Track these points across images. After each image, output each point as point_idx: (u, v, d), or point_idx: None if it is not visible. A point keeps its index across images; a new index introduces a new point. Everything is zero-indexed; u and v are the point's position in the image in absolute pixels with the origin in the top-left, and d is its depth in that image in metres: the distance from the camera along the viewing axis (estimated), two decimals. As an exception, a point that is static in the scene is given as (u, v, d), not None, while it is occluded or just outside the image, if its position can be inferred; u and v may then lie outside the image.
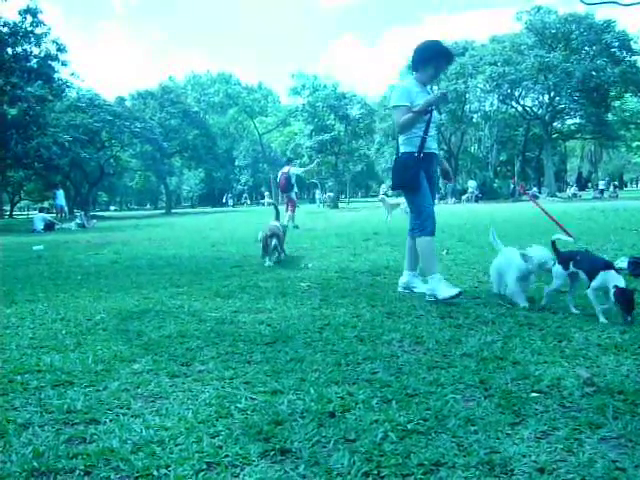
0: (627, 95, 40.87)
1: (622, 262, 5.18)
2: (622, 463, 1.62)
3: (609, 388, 2.20)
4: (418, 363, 2.61)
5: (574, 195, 42.96)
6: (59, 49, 25.78)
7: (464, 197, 39.16)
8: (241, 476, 1.65)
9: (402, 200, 15.81)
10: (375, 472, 1.62)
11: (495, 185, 46.84)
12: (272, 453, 1.78)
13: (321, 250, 7.95)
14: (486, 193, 41.28)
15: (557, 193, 45.12)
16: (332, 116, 41.84)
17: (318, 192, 46.20)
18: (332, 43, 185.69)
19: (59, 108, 32.40)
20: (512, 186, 44.48)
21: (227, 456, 1.76)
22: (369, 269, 5.81)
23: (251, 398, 2.25)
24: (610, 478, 1.54)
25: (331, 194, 41.80)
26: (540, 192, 43.02)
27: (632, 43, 43.39)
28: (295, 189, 14.83)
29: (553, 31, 43.38)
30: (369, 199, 62.69)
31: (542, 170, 49.53)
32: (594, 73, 41.55)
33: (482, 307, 3.82)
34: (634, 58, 44.81)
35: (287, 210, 14.37)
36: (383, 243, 8.45)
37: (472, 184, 41.07)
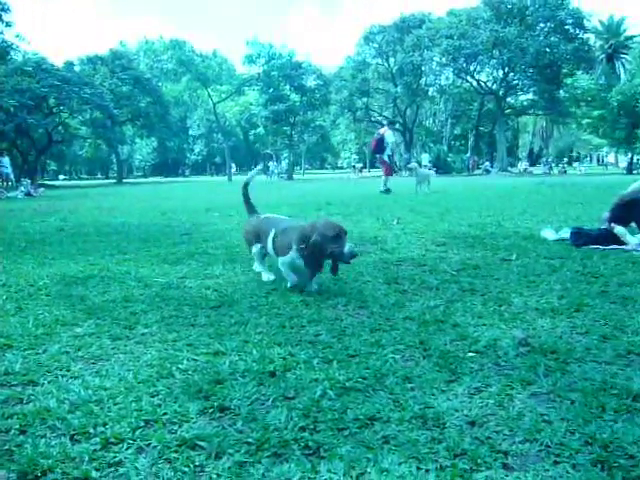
0: (579, 73, 41.68)
1: (565, 233, 5.34)
2: (549, 416, 1.69)
3: (542, 348, 2.28)
4: (361, 326, 2.65)
5: (525, 170, 43.93)
6: (2, 8, 24.60)
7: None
8: (179, 432, 1.65)
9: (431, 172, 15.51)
10: (311, 427, 1.65)
11: (449, 159, 47.46)
12: (211, 410, 1.78)
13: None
14: (440, 167, 41.77)
15: (509, 168, 46.04)
16: (287, 86, 41.41)
17: (272, 163, 45.87)
18: (291, 12, 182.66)
19: (4, 72, 30.97)
20: (467, 160, 45.21)
21: (165, 414, 1.76)
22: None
23: (193, 359, 2.24)
24: (536, 429, 1.61)
25: (284, 165, 41.52)
26: (492, 167, 43.80)
27: (585, 21, 44.20)
28: (388, 152, 14.70)
29: (509, 6, 43.74)
30: (324, 171, 62.55)
31: (495, 145, 50.35)
32: (548, 50, 42.24)
33: (428, 274, 3.88)
34: (586, 36, 45.72)
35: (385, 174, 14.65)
36: (334, 213, 8.48)
37: (425, 157, 41.48)
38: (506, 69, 45.21)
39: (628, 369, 2.07)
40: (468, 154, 50.39)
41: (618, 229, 4.92)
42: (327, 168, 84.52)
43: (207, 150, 71.52)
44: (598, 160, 64.27)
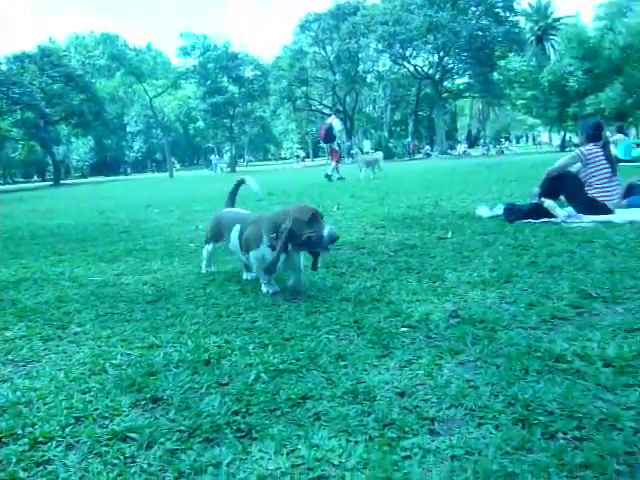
0: (511, 55, 42.78)
1: (499, 209, 5.50)
2: (475, 382, 1.75)
3: (472, 318, 2.35)
4: (297, 309, 2.66)
5: (464, 152, 44.88)
6: None
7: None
8: (110, 426, 1.62)
9: (378, 155, 15.81)
10: (244, 410, 1.65)
11: (390, 144, 47.99)
12: (143, 402, 1.76)
13: (213, 212, 7.86)
14: (382, 152, 42.19)
15: (449, 151, 46.96)
16: (225, 78, 40.92)
17: (214, 157, 45.29)
18: (228, 3, 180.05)
19: None
20: (407, 145, 45.86)
21: (97, 409, 1.73)
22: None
23: (127, 354, 2.21)
24: (462, 395, 1.66)
25: (226, 158, 41.10)
26: (433, 150, 44.56)
27: (515, 4, 45.31)
28: (338, 140, 15.13)
29: (441, -9, 44.40)
30: (268, 162, 62.20)
31: (434, 129, 51.20)
32: (480, 33, 43.15)
33: (366, 256, 3.94)
34: (516, 18, 46.89)
35: (331, 160, 14.99)
36: (276, 202, 8.46)
37: (367, 144, 41.82)
38: (441, 53, 46.00)
39: (551, 332, 2.16)
40: (409, 139, 51.13)
41: (548, 203, 5.10)
42: (270, 159, 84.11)
43: (147, 147, 69.97)
44: (534, 139, 66.21)
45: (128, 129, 67.88)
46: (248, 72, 42.75)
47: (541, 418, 1.50)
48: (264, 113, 49.34)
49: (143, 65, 57.52)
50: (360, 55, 47.91)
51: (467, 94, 52.25)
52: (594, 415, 1.50)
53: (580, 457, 1.31)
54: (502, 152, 41.97)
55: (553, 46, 49.09)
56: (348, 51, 46.29)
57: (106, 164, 71.48)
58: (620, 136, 13.81)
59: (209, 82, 40.59)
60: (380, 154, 16.30)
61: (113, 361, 2.14)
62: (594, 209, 5.02)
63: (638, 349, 1.91)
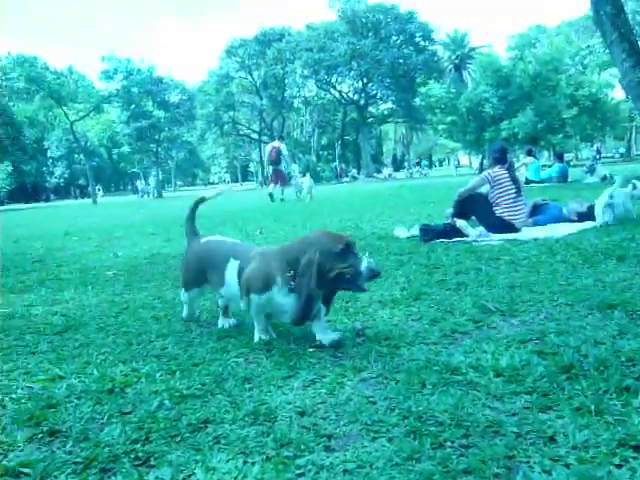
0: (431, 82, 44.41)
1: (415, 230, 5.68)
2: (374, 397, 1.81)
3: (377, 336, 2.43)
4: (209, 335, 2.66)
5: (390, 175, 46.00)
6: None
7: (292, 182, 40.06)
8: (2, 462, 1.57)
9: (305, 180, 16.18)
10: (144, 437, 1.64)
11: (318, 168, 48.56)
12: (40, 436, 1.71)
13: (134, 238, 7.71)
14: (310, 176, 42.60)
15: (375, 174, 47.97)
16: (150, 102, 40.38)
17: (140, 182, 44.40)
18: (153, 26, 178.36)
19: None
20: (335, 169, 46.55)
21: (-11, 447, 1.67)
22: (182, 252, 5.74)
23: (28, 387, 2.13)
24: (360, 411, 1.71)
25: (153, 183, 40.40)
26: (359, 173, 45.43)
27: (433, 34, 47.29)
28: (284, 163, 15.89)
29: (363, 20, 45.77)
30: (196, 187, 61.46)
31: (360, 152, 52.28)
32: (401, 61, 44.71)
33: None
34: (435, 47, 48.89)
35: (274, 183, 15.81)
36: (198, 225, 8.38)
37: (296, 168, 42.10)
38: (365, 80, 47.27)
39: (451, 346, 2.26)
40: (336, 163, 51.94)
41: (460, 223, 5.33)
42: (199, 184, 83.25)
43: (69, 172, 67.65)
44: (458, 163, 68.71)
45: (49, 154, 65.55)
46: (174, 96, 42.38)
47: (432, 429, 1.57)
48: (191, 137, 48.92)
49: (64, 88, 55.80)
50: (286, 80, 48.50)
51: (391, 119, 53.82)
52: (481, 423, 1.59)
53: (464, 463, 1.38)
54: (425, 175, 43.29)
55: (470, 74, 51.32)
56: (274, 76, 46.82)
57: (25, 190, 68.56)
58: (530, 158, 14.58)
59: (133, 106, 39.94)
60: (308, 178, 16.61)
61: (13, 395, 2.06)
62: (502, 228, 5.29)
63: (528, 358, 2.03)
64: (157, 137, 41.08)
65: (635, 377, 1.83)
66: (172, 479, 1.42)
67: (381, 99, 50.78)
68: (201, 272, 2.71)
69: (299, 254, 2.26)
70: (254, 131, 51.87)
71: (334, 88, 49.86)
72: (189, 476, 1.43)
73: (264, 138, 50.13)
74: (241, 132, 53.31)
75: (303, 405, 1.78)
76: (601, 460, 1.36)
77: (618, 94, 31.57)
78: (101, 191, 53.09)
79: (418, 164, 50.81)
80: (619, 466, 1.34)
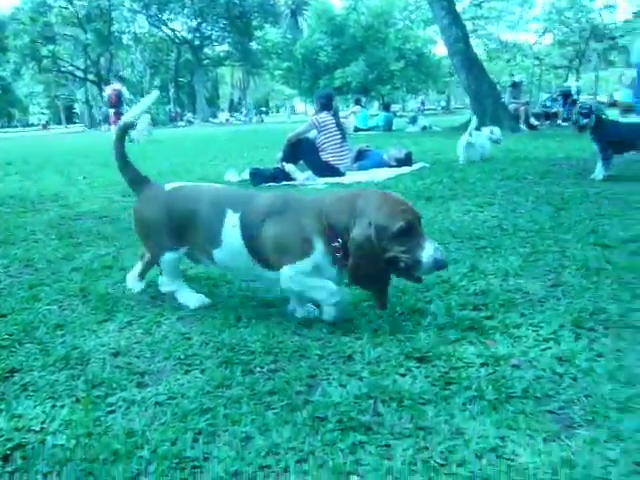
0: (267, 26, 43.86)
1: (245, 174, 5.71)
2: (190, 334, 1.86)
3: (198, 276, 2.46)
4: (20, 284, 2.50)
5: (227, 120, 45.22)
6: None
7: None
8: None
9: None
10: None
11: (152, 111, 46.19)
12: None
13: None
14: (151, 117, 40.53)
15: (211, 118, 46.88)
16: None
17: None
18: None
19: None
20: (170, 112, 44.72)
21: None
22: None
23: None
24: (175, 347, 1.75)
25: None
26: (195, 117, 44.18)
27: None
28: (125, 106, 14.79)
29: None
30: (14, 129, 55.64)
31: (196, 96, 50.61)
32: (237, 1, 43.41)
33: (107, 225, 3.83)
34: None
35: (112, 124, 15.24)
36: (13, 172, 7.72)
37: (126, 109, 39.80)
38: (199, 19, 45.36)
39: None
40: (170, 105, 49.83)
41: (288, 167, 5.45)
42: (16, 126, 75.39)
43: None
44: (293, 109, 69.23)
45: None
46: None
47: (243, 357, 1.66)
48: (4, 72, 43.88)
49: None
50: (113, 14, 44.95)
51: (227, 62, 52.47)
52: (289, 349, 1.71)
53: (270, 386, 1.49)
54: (262, 120, 43.24)
55: (306, 20, 51.47)
56: (99, 8, 43.13)
57: None
58: (358, 107, 15.20)
59: None
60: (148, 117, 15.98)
61: None
62: (328, 172, 5.52)
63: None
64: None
65: (426, 301, 2.06)
66: (-30, 431, 1.35)
67: (216, 41, 49.17)
68: (175, 231, 2.02)
69: (348, 220, 1.73)
70: (78, 68, 47.71)
71: (166, 26, 47.25)
72: (-7, 426, 1.37)
73: (90, 77, 46.49)
74: (63, 69, 48.70)
75: (117, 346, 1.78)
76: (389, 371, 1.54)
77: (440, 50, 33.63)
78: None
79: (256, 110, 50.52)
80: (403, 375, 1.53)
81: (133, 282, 2.34)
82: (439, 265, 1.69)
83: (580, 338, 1.72)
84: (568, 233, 3.01)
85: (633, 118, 11.73)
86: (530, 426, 1.27)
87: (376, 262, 1.70)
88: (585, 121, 4.74)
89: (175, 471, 1.17)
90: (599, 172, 4.79)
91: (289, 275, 1.81)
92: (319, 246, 1.77)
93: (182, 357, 1.68)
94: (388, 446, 1.22)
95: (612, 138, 4.70)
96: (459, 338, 1.73)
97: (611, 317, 1.88)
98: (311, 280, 1.81)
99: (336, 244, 1.74)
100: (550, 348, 1.66)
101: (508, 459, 1.16)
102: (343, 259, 1.75)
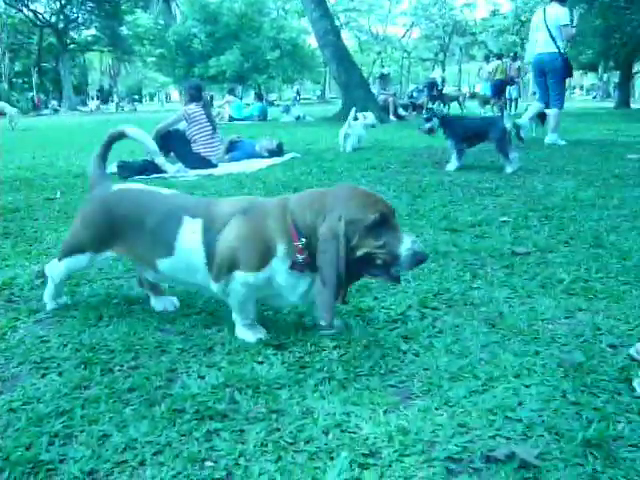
0: (138, 11, 42.13)
1: (113, 167, 5.51)
2: (48, 336, 1.81)
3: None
4: None
5: (97, 108, 43.01)
6: None
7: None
8: None
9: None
10: None
11: (13, 98, 42.95)
12: None
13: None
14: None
15: (79, 107, 44.39)
16: None
17: None
18: None
19: None
20: (33, 99, 41.88)
21: None
22: None
23: None
24: (32, 350, 1.71)
25: None
26: (60, 105, 41.66)
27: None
28: None
29: None
30: None
31: (62, 82, 47.61)
32: (103, -17, 41.25)
33: None
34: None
35: None
36: None
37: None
38: (63, 1, 42.63)
39: (132, 280, 2.34)
40: (33, 92, 46.54)
41: (158, 159, 5.33)
42: None
43: None
44: (167, 97, 67.16)
45: None
46: None
47: (103, 357, 1.66)
48: None
49: None
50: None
51: (96, 47, 49.77)
52: (150, 345, 1.73)
53: (129, 383, 1.50)
54: (135, 109, 41.64)
55: (179, 7, 50.03)
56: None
57: None
58: (231, 97, 15.12)
59: None
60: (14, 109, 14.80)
61: None
62: (199, 164, 5.48)
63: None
64: None
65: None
66: None
67: (83, 24, 46.40)
68: (106, 233, 1.87)
69: (315, 217, 1.60)
70: None
71: (27, 7, 43.89)
72: None
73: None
74: None
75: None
76: (247, 360, 1.62)
77: (314, 41, 34.18)
78: None
79: (129, 98, 48.48)
80: (261, 362, 1.61)
81: (157, 301, 2.05)
82: (419, 258, 1.56)
83: (425, 317, 1.90)
84: (422, 219, 3.25)
85: (488, 110, 12.69)
86: (373, 400, 1.40)
87: (346, 260, 1.54)
88: (428, 125, 5.11)
89: (29, 476, 1.16)
90: (452, 163, 5.18)
91: (240, 282, 1.67)
92: (281, 248, 1.62)
93: (38, 361, 1.64)
94: (242, 431, 1.29)
95: (462, 133, 5.09)
96: (315, 324, 1.84)
97: (453, 296, 2.08)
98: (248, 296, 1.71)
99: (299, 244, 1.60)
100: (397, 328, 1.82)
101: (351, 432, 1.27)
102: (305, 262, 1.61)
